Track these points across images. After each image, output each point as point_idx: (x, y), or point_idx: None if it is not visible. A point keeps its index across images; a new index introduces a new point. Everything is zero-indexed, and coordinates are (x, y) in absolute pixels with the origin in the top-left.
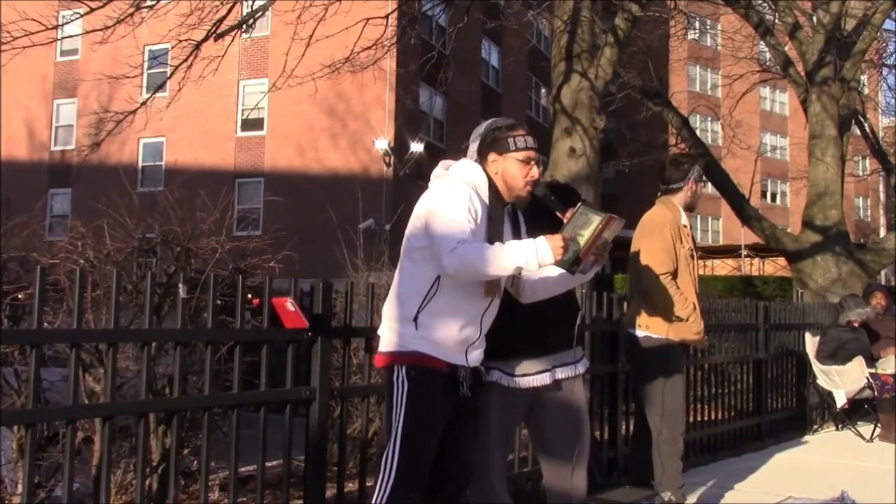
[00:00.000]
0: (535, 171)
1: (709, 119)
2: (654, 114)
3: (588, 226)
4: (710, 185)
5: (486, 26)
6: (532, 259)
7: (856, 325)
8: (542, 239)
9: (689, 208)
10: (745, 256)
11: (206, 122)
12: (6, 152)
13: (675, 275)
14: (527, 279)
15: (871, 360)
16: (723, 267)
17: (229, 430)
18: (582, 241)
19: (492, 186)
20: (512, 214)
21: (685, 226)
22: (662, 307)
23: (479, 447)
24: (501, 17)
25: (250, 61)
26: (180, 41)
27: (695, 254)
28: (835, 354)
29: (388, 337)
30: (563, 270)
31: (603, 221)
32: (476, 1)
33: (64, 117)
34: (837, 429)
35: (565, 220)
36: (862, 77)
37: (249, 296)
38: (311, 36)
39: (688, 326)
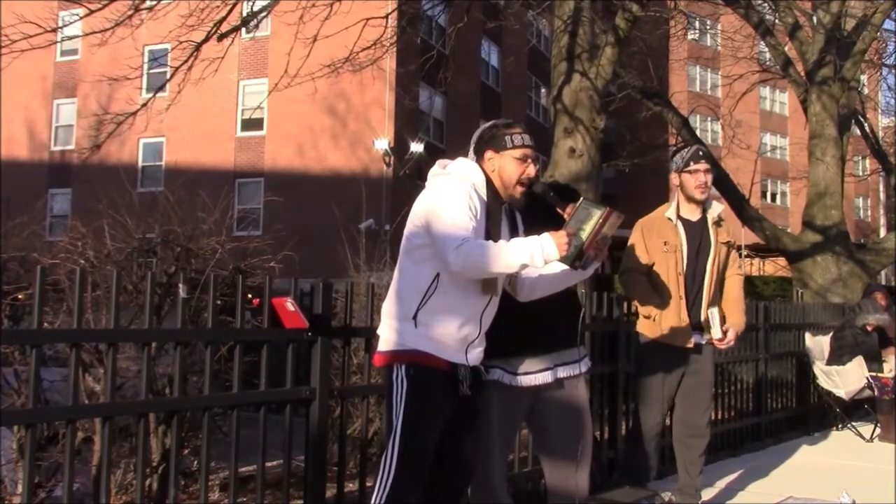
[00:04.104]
0: (531, 169)
1: (709, 119)
2: (654, 114)
3: (589, 220)
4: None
5: (486, 26)
6: (538, 255)
7: (870, 329)
8: (546, 235)
9: (689, 199)
10: (746, 256)
11: (206, 122)
12: (6, 152)
13: (648, 272)
14: (526, 277)
15: (877, 363)
16: None
17: (229, 430)
18: (584, 235)
19: (489, 184)
20: (509, 213)
21: (669, 218)
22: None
23: (479, 447)
24: (501, 17)
25: (250, 61)
26: (180, 42)
27: (676, 247)
28: (852, 352)
29: (387, 335)
30: (565, 266)
31: (603, 215)
32: (476, 1)
33: (64, 117)
34: (837, 429)
35: (567, 216)
36: (862, 77)
37: (249, 296)
38: (314, 38)
39: (658, 325)
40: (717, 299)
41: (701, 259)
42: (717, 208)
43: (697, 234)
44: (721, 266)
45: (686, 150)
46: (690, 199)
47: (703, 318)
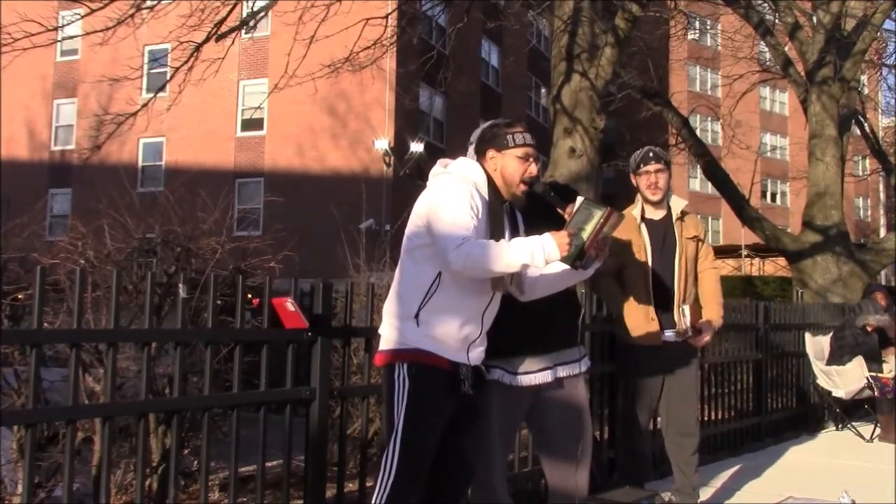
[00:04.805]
0: (533, 168)
1: (709, 119)
2: (654, 114)
3: (590, 220)
4: (710, 185)
5: (486, 26)
6: (539, 255)
7: (870, 329)
8: (547, 235)
9: (644, 199)
10: (745, 256)
11: (206, 122)
12: (6, 152)
13: (618, 274)
14: (526, 276)
15: (877, 363)
16: (723, 267)
17: (229, 430)
18: (585, 235)
19: (490, 184)
20: (510, 212)
21: (633, 218)
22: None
23: (480, 447)
24: (501, 17)
25: (250, 61)
26: (181, 42)
27: (640, 246)
28: (852, 353)
29: (388, 335)
30: (565, 266)
31: (604, 215)
32: (476, 1)
33: (64, 117)
34: (837, 429)
35: (567, 216)
36: (862, 77)
37: (249, 296)
38: (312, 37)
39: (629, 326)
40: (691, 295)
41: (666, 256)
42: (680, 203)
43: (661, 231)
44: (690, 262)
45: (639, 151)
46: (645, 199)
47: (675, 315)
